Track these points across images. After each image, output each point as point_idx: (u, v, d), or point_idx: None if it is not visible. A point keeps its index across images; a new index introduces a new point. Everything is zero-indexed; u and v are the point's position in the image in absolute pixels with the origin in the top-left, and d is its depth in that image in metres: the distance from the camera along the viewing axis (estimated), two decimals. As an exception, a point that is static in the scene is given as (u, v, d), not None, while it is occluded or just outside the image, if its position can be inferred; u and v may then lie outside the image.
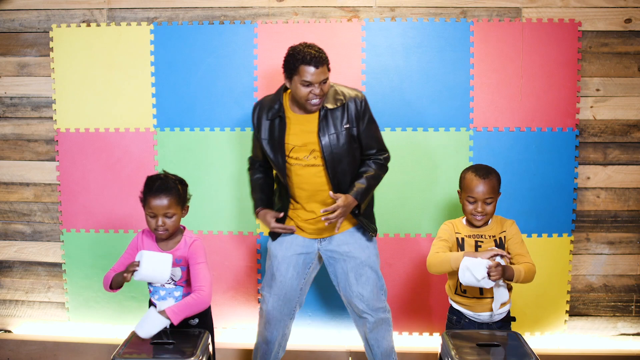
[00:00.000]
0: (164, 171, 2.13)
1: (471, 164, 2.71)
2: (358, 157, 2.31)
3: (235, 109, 2.81)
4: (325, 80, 2.16)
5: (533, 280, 2.06)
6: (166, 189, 2.01)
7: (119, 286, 2.06)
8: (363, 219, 2.31)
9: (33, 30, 2.90)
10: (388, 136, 2.73)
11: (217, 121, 2.83)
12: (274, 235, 2.39)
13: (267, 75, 2.78)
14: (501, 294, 2.05)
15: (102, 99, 2.87)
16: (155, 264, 1.94)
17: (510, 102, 2.74)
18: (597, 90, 2.76)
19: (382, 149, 2.35)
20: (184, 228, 2.15)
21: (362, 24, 2.75)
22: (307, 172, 2.26)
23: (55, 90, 2.89)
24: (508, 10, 2.73)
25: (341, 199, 2.16)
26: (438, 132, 2.76)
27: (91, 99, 2.87)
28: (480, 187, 2.08)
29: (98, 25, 2.84)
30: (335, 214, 2.16)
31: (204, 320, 2.15)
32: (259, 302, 2.92)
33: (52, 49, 2.86)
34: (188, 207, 2.11)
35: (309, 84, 2.13)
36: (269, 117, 2.28)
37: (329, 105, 2.22)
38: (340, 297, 2.42)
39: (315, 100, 2.17)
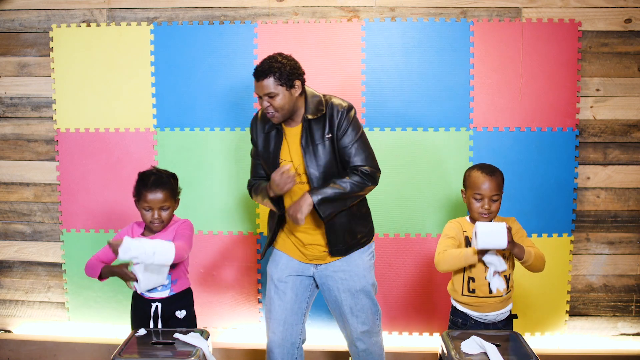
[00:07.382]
0: (153, 167, 2.24)
1: (471, 164, 2.71)
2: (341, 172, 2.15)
3: (235, 109, 2.81)
4: (272, 95, 2.03)
5: (543, 269, 2.09)
6: (161, 184, 2.13)
7: (109, 277, 2.15)
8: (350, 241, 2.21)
9: (33, 30, 2.90)
10: (388, 136, 2.75)
11: (217, 121, 2.83)
12: (265, 251, 2.29)
13: (267, 75, 2.77)
14: (499, 262, 2.04)
15: (102, 99, 2.87)
16: (153, 274, 2.06)
17: (510, 102, 2.74)
18: (597, 90, 2.76)
19: (367, 164, 2.12)
20: (173, 215, 2.25)
21: (362, 24, 2.75)
22: (296, 189, 2.13)
23: (55, 90, 2.89)
24: (508, 10, 2.73)
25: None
26: (438, 132, 2.76)
27: (91, 99, 2.87)
28: (487, 184, 2.09)
29: (98, 25, 2.84)
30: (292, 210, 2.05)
31: (190, 312, 2.23)
32: (259, 302, 2.93)
33: (52, 49, 2.87)
34: (179, 199, 2.23)
35: (257, 94, 2.09)
36: (265, 129, 2.20)
37: (310, 116, 2.10)
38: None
39: (270, 112, 2.07)
